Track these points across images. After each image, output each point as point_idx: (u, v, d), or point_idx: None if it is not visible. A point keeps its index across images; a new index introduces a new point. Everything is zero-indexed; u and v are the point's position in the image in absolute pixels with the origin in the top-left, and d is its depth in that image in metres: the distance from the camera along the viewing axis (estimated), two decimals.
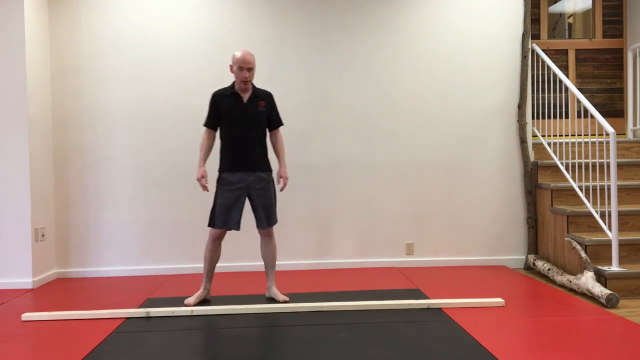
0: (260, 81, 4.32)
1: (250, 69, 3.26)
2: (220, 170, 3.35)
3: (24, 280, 3.96)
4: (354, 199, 4.50)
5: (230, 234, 4.42)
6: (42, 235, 4.13)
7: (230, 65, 3.31)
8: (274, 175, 3.45)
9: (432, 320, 2.96)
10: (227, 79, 4.41)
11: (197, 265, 4.40)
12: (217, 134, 3.41)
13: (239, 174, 3.28)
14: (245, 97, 3.32)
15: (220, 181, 3.34)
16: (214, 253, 3.37)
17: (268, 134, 3.45)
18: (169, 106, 4.39)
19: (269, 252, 3.44)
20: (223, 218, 3.28)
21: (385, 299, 3.34)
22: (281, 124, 3.48)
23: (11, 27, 3.94)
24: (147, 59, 4.38)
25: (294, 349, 2.55)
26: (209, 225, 3.34)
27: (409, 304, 3.19)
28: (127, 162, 4.37)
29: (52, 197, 4.32)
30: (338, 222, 4.46)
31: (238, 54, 3.25)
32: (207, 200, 4.40)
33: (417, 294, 3.52)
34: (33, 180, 4.01)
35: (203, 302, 3.36)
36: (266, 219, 3.35)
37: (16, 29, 3.94)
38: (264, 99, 3.37)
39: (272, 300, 3.41)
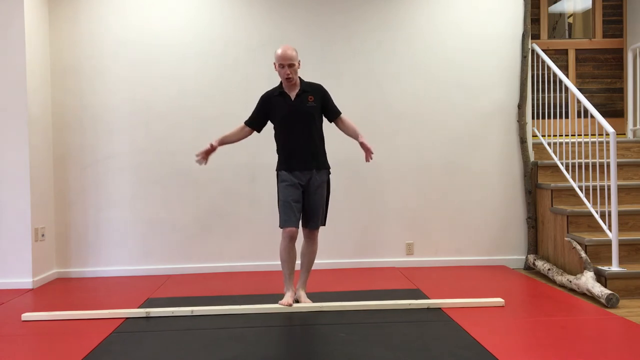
0: (260, 81, 4.31)
1: (292, 65, 3.18)
2: (278, 169, 3.31)
3: (24, 280, 3.96)
4: (354, 199, 4.50)
5: (226, 234, 4.43)
6: (42, 235, 4.12)
7: (274, 63, 3.26)
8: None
9: (432, 320, 2.95)
10: (228, 79, 4.42)
11: (197, 265, 4.40)
12: (269, 135, 3.37)
13: (295, 173, 3.22)
14: (293, 94, 3.26)
15: (278, 179, 3.29)
16: (290, 254, 3.23)
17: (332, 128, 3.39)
18: (169, 106, 4.39)
19: (307, 254, 3.34)
20: (288, 215, 3.17)
21: (385, 299, 3.34)
22: (340, 112, 3.39)
23: (11, 27, 3.94)
24: (147, 59, 4.38)
25: (294, 349, 2.55)
26: (280, 226, 3.24)
27: (409, 304, 3.19)
28: (127, 162, 4.37)
29: (52, 197, 4.32)
30: (338, 222, 4.46)
31: (278, 51, 3.18)
32: (208, 200, 4.41)
33: (417, 294, 3.52)
34: (33, 180, 4.01)
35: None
36: (314, 219, 3.27)
37: (16, 29, 3.93)
38: (313, 93, 3.28)
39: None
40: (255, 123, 3.36)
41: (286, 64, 3.18)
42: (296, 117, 3.24)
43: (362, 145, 3.27)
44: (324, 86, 3.40)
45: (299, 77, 3.31)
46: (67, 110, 4.34)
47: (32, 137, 4.01)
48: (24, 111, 3.96)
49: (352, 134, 3.36)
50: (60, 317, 3.09)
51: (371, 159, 3.31)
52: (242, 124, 3.37)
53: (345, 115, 3.40)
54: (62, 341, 2.70)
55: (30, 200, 3.97)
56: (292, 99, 3.26)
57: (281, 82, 3.31)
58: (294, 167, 3.23)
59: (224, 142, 3.35)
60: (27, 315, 3.09)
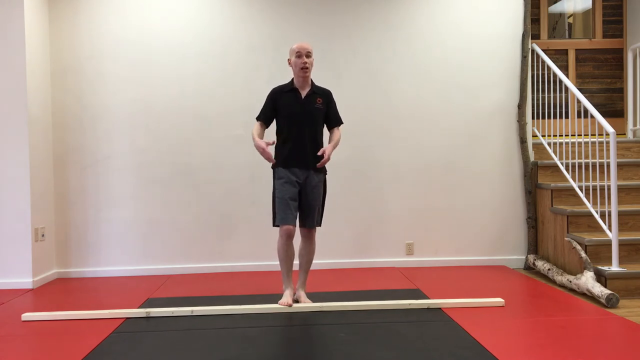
0: (260, 81, 4.32)
1: (309, 55, 3.20)
2: (275, 166, 3.30)
3: (24, 280, 3.96)
4: (354, 199, 4.50)
5: (226, 234, 4.43)
6: (42, 235, 4.12)
7: (288, 59, 3.27)
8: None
9: (432, 320, 2.95)
10: (228, 79, 4.42)
11: (197, 265, 4.40)
12: (271, 130, 3.38)
13: (293, 170, 3.22)
14: (304, 93, 3.27)
15: (275, 175, 3.28)
16: (287, 253, 3.23)
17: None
18: (169, 106, 4.39)
19: (305, 254, 3.33)
20: (286, 213, 3.17)
21: (385, 299, 3.34)
22: (340, 122, 3.39)
23: (11, 27, 3.94)
24: (147, 59, 4.37)
25: (294, 349, 2.55)
26: (274, 225, 3.25)
27: (409, 304, 3.19)
28: (127, 162, 4.37)
29: (52, 197, 4.32)
30: (338, 222, 4.46)
31: (294, 45, 3.22)
32: (208, 200, 4.41)
33: (417, 294, 3.52)
34: (33, 180, 4.01)
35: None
36: (310, 218, 3.27)
37: (16, 29, 3.93)
38: (322, 96, 3.30)
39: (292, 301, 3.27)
40: (266, 118, 3.34)
41: (304, 53, 3.20)
42: (303, 115, 3.24)
43: (323, 150, 3.20)
44: (324, 85, 3.40)
45: (311, 79, 3.32)
46: (67, 110, 4.34)
47: (32, 137, 4.01)
48: (24, 111, 3.96)
49: (330, 140, 3.32)
50: (60, 317, 3.09)
51: (318, 165, 3.22)
52: (257, 122, 3.33)
53: (339, 129, 3.39)
54: (62, 341, 2.70)
55: (30, 200, 3.97)
56: (302, 97, 3.26)
57: (292, 80, 3.31)
58: (292, 164, 3.22)
59: (260, 136, 3.27)
60: (27, 315, 3.09)
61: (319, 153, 3.21)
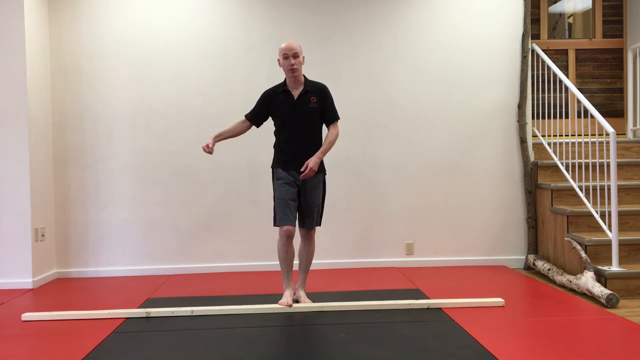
0: (260, 81, 4.32)
1: (296, 56, 3.14)
2: (273, 167, 3.30)
3: (24, 280, 3.96)
4: (354, 198, 4.50)
5: (226, 234, 4.43)
6: (42, 235, 4.12)
7: (278, 60, 3.23)
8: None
9: (432, 320, 2.95)
10: (227, 79, 4.42)
11: (197, 265, 4.40)
12: (270, 130, 3.38)
13: (291, 172, 3.20)
14: (296, 93, 3.22)
15: (274, 176, 3.28)
16: (287, 253, 3.21)
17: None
18: (169, 106, 4.39)
19: (305, 255, 3.33)
20: (285, 214, 3.16)
21: (385, 299, 3.34)
22: (336, 118, 3.31)
23: (11, 27, 3.94)
24: (147, 59, 4.38)
25: (294, 349, 2.55)
26: (275, 225, 3.24)
27: (409, 304, 3.19)
28: (127, 162, 4.37)
29: (52, 197, 4.32)
30: (338, 222, 4.46)
31: (282, 45, 3.17)
32: (208, 200, 4.41)
33: (417, 294, 3.52)
34: (33, 180, 4.01)
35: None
36: (309, 219, 3.26)
37: (16, 29, 3.93)
38: (316, 93, 3.23)
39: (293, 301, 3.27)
40: (255, 118, 3.35)
41: (290, 54, 3.15)
42: (297, 117, 3.21)
43: (307, 162, 3.15)
44: (322, 83, 3.36)
45: (304, 76, 3.28)
46: (67, 110, 4.34)
47: (32, 137, 4.01)
48: (24, 111, 3.96)
49: (323, 143, 3.26)
50: (60, 317, 3.09)
51: (304, 176, 3.15)
52: (243, 117, 3.37)
53: (336, 125, 3.32)
54: (62, 341, 2.70)
55: (30, 200, 3.97)
56: (295, 98, 3.23)
57: (285, 80, 3.29)
58: (290, 166, 3.22)
59: (222, 137, 3.32)
60: (27, 315, 3.09)
61: (302, 169, 3.15)
